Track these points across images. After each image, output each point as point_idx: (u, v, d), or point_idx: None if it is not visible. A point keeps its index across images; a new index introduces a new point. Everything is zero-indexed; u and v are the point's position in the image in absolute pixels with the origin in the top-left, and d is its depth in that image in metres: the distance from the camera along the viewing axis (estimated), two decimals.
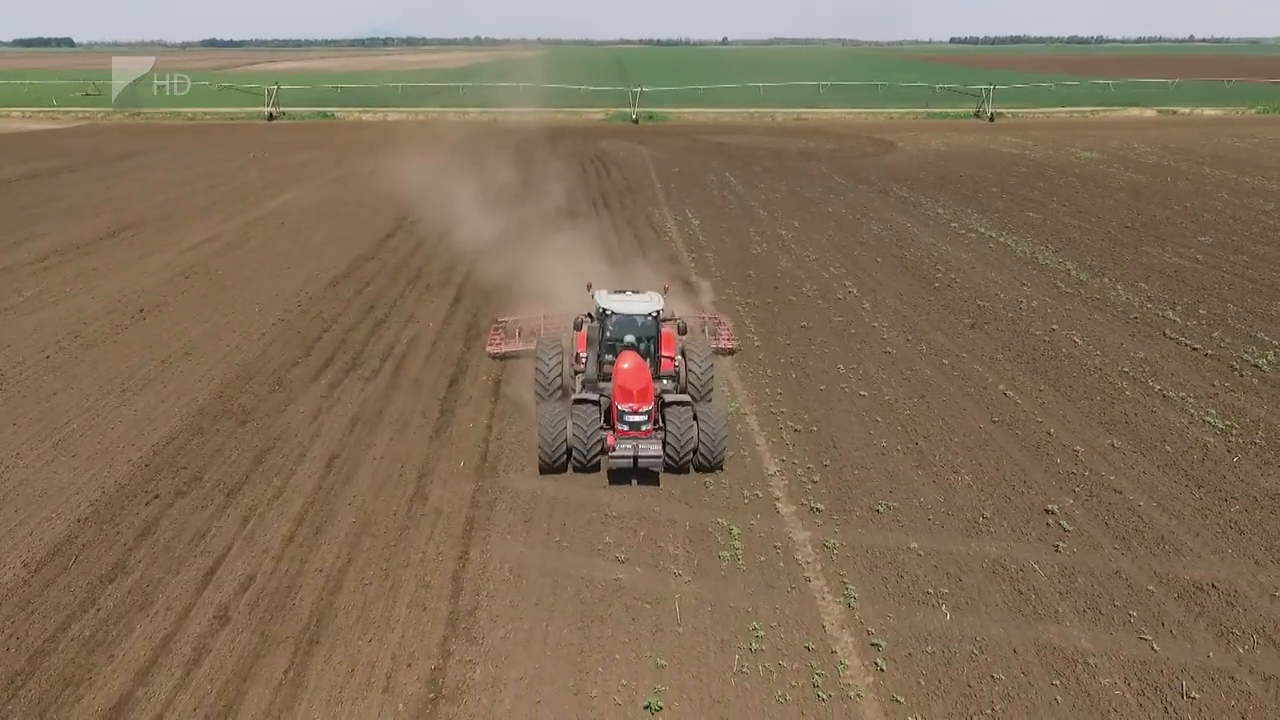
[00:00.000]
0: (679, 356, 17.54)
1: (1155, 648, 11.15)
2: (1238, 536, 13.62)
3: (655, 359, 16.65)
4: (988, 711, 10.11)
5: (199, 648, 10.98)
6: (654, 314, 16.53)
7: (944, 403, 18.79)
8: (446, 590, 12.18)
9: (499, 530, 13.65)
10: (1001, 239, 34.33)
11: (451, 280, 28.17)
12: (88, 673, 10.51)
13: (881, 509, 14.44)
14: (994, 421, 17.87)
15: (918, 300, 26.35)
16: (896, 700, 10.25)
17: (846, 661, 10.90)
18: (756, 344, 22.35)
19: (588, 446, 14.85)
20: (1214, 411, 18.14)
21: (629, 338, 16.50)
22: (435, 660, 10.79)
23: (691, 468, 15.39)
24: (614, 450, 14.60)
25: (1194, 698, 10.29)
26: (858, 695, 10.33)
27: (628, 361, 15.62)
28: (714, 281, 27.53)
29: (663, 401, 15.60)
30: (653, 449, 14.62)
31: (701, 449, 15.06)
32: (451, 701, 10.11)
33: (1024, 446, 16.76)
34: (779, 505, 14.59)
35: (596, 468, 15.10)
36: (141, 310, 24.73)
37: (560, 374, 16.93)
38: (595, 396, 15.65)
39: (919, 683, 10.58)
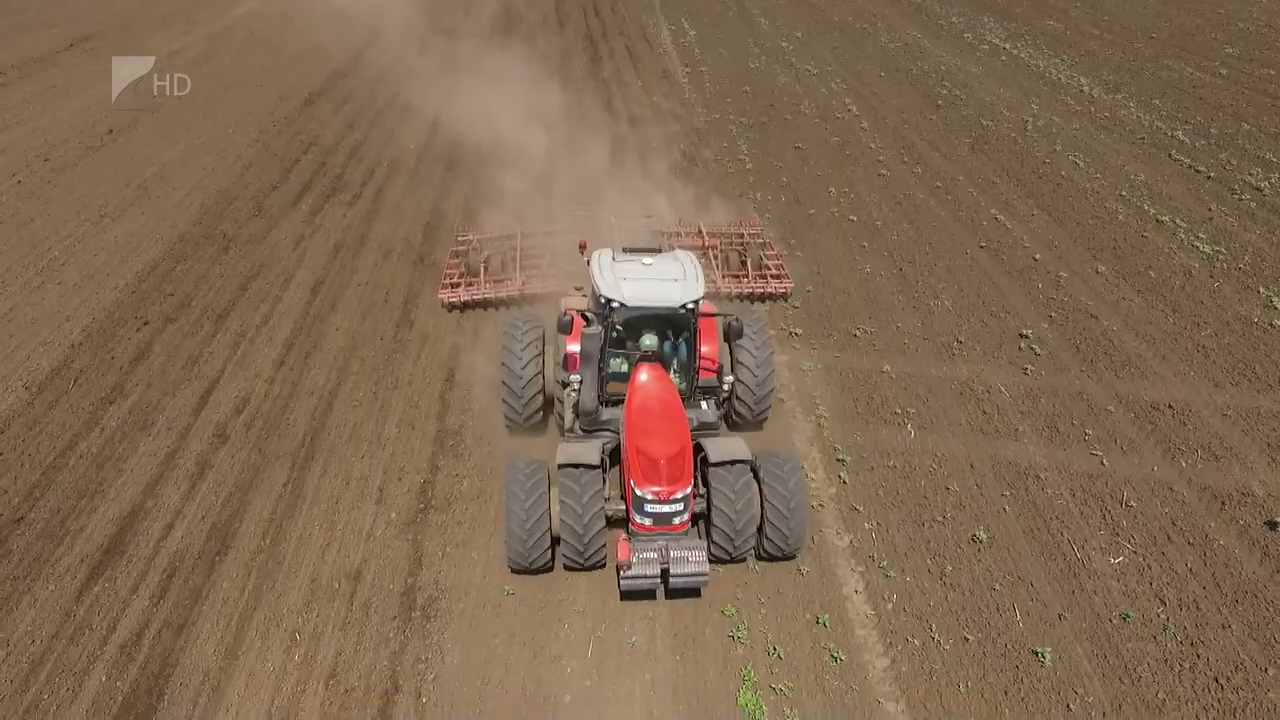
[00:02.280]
0: (722, 350, 11.58)
1: (1105, 463, 11.82)
2: (1203, 360, 14.00)
3: (690, 373, 10.70)
4: (939, 519, 10.90)
5: (201, 464, 11.64)
6: (689, 306, 10.17)
7: (934, 228, 18.57)
8: (434, 410, 12.70)
9: (484, 354, 13.98)
10: (1015, 51, 32.27)
11: (431, 100, 26.82)
12: (99, 486, 11.22)
13: (859, 334, 14.71)
14: (982, 247, 17.76)
15: (919, 119, 25.23)
16: (855, 509, 11.02)
17: (812, 475, 11.58)
18: (749, 166, 21.68)
19: (585, 543, 9.26)
20: (1204, 236, 17.96)
21: (648, 341, 10.58)
22: (424, 474, 11.47)
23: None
24: (628, 566, 9.02)
25: (1131, 506, 11.06)
26: (820, 505, 11.08)
27: (648, 391, 10.03)
28: (707, 96, 26.22)
29: (703, 455, 9.67)
30: (693, 558, 9.07)
31: (771, 536, 9.52)
32: (440, 510, 10.88)
33: (1008, 272, 16.77)
34: None
35: (602, 564, 9.72)
36: (110, 131, 23.72)
37: (540, 383, 11.22)
38: (594, 455, 9.64)
39: (878, 493, 11.32)
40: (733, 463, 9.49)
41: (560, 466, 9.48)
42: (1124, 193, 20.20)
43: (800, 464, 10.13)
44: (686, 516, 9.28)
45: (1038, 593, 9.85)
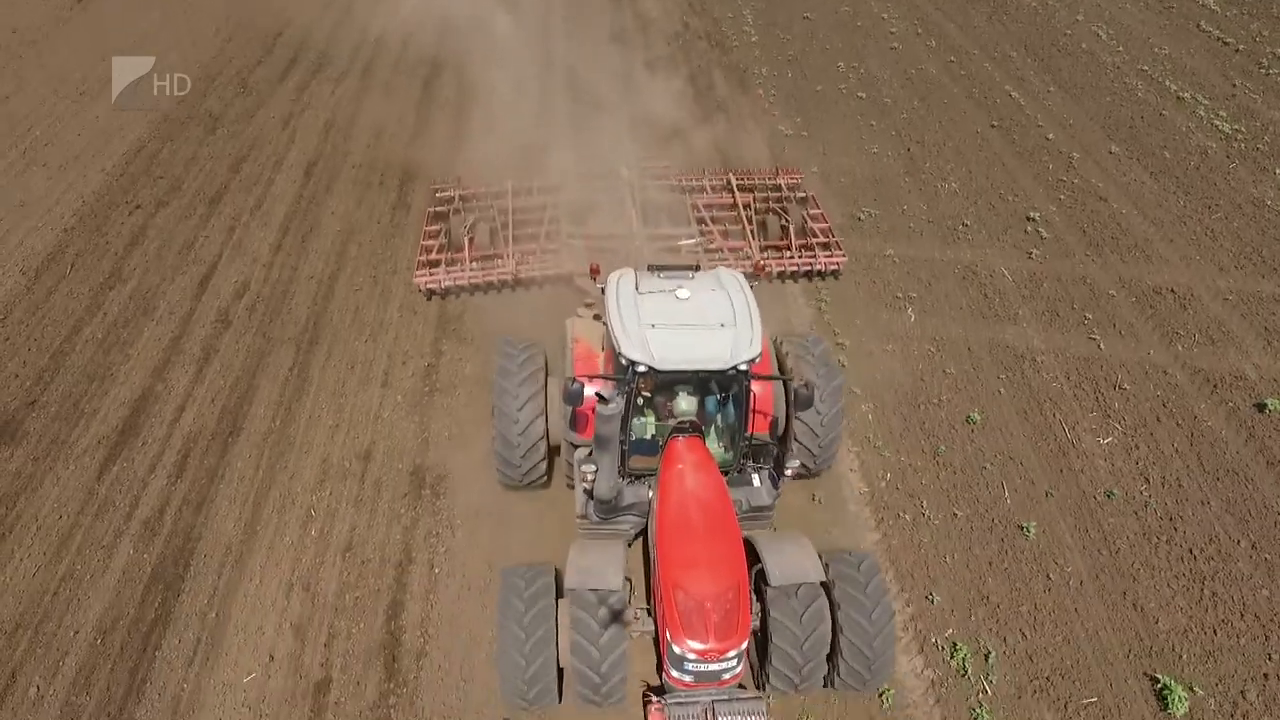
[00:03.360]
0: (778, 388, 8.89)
1: (1101, 346, 11.92)
2: (1210, 243, 13.84)
3: (737, 443, 8.06)
4: (935, 401, 11.11)
5: (206, 348, 11.73)
6: (742, 366, 7.44)
7: (945, 105, 17.90)
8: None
9: None
10: None
11: None
12: (107, 370, 11.36)
13: (863, 216, 14.47)
14: (993, 126, 17.18)
15: None
16: (853, 391, 11.19)
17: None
18: (754, 39, 20.65)
19: (604, 687, 7.14)
20: (1225, 115, 17.34)
21: (684, 405, 8.13)
22: (429, 358, 11.59)
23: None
24: None
25: (1124, 389, 11.24)
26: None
27: (687, 486, 7.50)
28: None
29: (759, 568, 7.44)
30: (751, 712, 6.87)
31: (848, 670, 7.41)
32: (445, 393, 11.07)
33: (1019, 152, 16.30)
34: None
35: (623, 699, 7.38)
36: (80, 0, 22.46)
37: (543, 429, 8.93)
38: (616, 571, 7.37)
39: (876, 376, 11.48)
40: (803, 590, 7.31)
41: (570, 591, 7.23)
42: (1145, 67, 19.33)
43: (879, 566, 7.81)
44: (739, 669, 6.90)
45: (1027, 471, 10.18)
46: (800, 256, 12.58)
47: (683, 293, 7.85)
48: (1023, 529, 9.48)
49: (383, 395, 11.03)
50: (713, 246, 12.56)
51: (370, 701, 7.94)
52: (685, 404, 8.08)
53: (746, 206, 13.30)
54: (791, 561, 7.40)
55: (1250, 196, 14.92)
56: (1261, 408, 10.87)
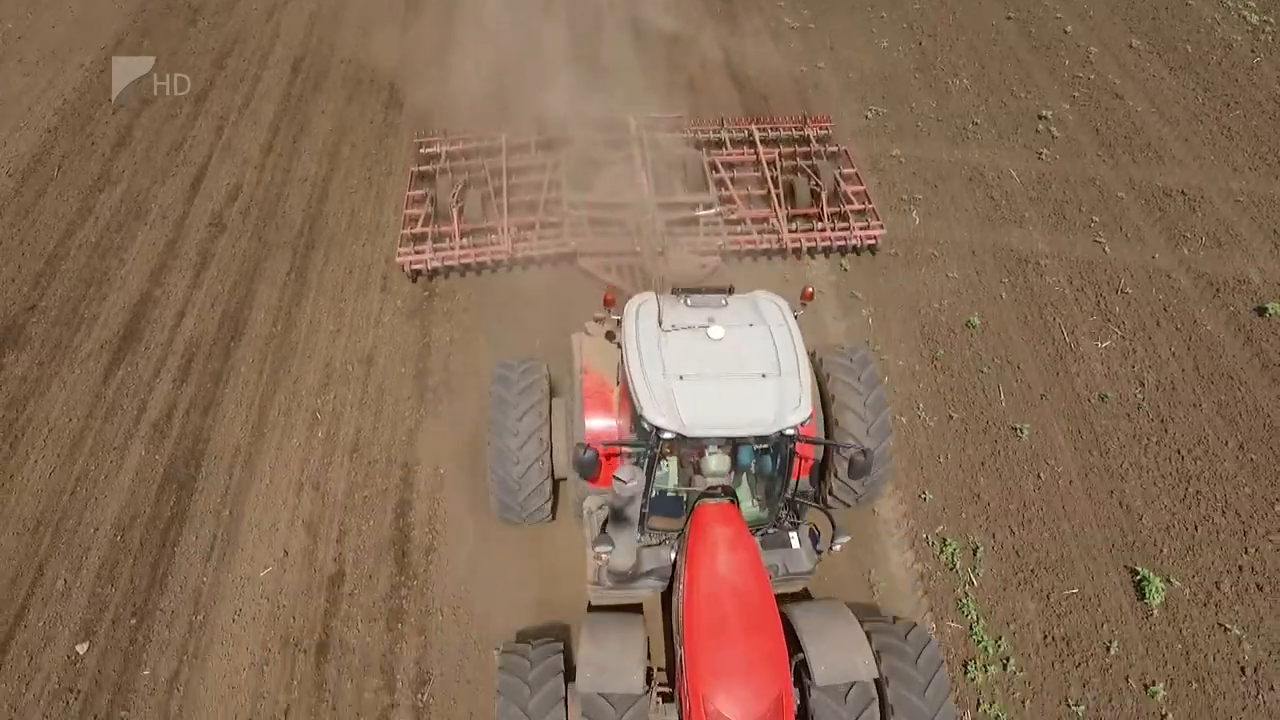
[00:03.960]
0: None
1: (1107, 250, 11.80)
2: (1226, 143, 13.48)
3: (775, 505, 7.05)
4: (935, 305, 11.10)
5: (202, 253, 11.62)
6: (789, 431, 6.35)
7: None
8: None
9: None
10: None
11: None
12: (104, 275, 11.29)
13: (870, 115, 14.04)
14: (1009, 18, 16.42)
15: None
16: (854, 296, 11.17)
17: (810, 260, 11.61)
18: None
19: None
20: (1254, 4, 16.54)
21: (715, 465, 6.92)
22: None
23: None
24: None
25: (1127, 293, 11.21)
26: (819, 292, 11.19)
27: (718, 567, 6.36)
28: None
29: (800, 659, 6.41)
30: None
31: None
32: (445, 298, 11.04)
33: (1034, 46, 15.64)
34: None
35: None
36: None
37: (547, 464, 7.91)
38: (636, 669, 6.33)
39: (878, 280, 11.41)
40: (849, 687, 6.33)
41: (583, 695, 6.19)
42: None
43: (940, 655, 6.68)
44: None
45: (1023, 375, 10.27)
46: (833, 228, 11.34)
47: (715, 331, 6.66)
48: (1016, 431, 9.66)
49: (382, 300, 11.00)
50: (734, 217, 11.48)
51: (383, 593, 8.29)
52: (716, 464, 6.81)
53: (771, 164, 12.06)
54: (838, 651, 6.35)
55: (1273, 94, 14.42)
56: (1262, 311, 10.86)
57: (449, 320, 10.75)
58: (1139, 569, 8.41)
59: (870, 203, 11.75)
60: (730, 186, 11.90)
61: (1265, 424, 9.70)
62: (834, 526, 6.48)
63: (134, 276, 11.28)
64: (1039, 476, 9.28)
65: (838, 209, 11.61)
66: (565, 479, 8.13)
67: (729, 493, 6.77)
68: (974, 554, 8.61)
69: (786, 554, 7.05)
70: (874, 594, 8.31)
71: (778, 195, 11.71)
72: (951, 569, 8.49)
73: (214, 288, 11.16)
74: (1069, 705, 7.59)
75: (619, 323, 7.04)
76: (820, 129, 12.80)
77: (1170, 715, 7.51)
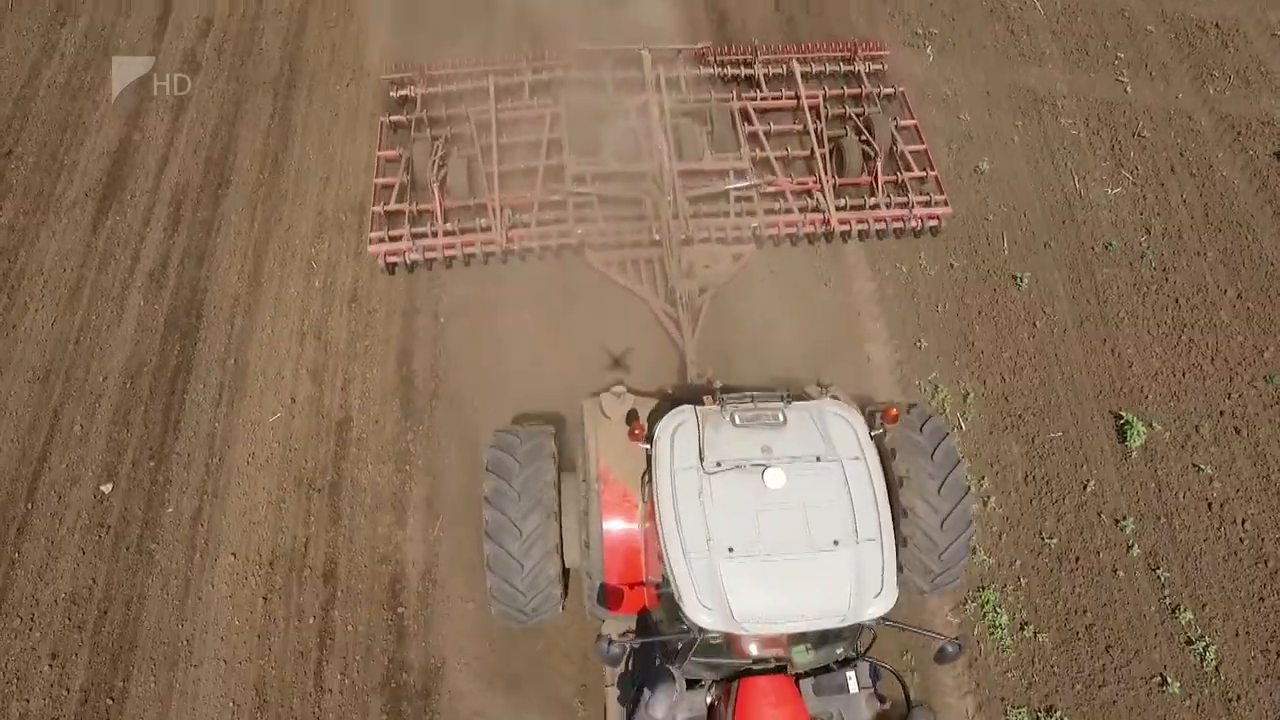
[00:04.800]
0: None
1: (1128, 90, 11.25)
2: None
3: (832, 652, 5.70)
4: (945, 149, 10.68)
5: (179, 97, 11.05)
6: (869, 623, 5.24)
7: None
8: None
9: None
10: None
11: None
12: (78, 118, 10.83)
13: None
14: None
15: None
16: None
17: None
18: None
19: None
20: None
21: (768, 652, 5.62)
22: None
23: None
24: None
25: (1144, 136, 10.80)
26: None
27: None
28: None
29: None
30: None
31: None
32: None
33: None
34: None
35: None
36: None
37: (556, 568, 6.61)
38: None
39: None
40: None
41: None
42: None
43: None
44: None
45: (1029, 223, 10.09)
46: (888, 204, 9.50)
47: (774, 477, 5.31)
48: (1016, 279, 9.61)
49: (371, 144, 10.55)
50: (770, 190, 9.57)
51: (390, 436, 8.58)
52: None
53: (814, 112, 9.99)
54: None
55: None
56: None
57: None
58: (1123, 414, 8.66)
59: (933, 168, 9.76)
60: (765, 145, 9.86)
61: (1267, 272, 9.65)
62: (908, 700, 5.36)
63: (109, 121, 10.81)
64: (1034, 325, 9.34)
65: (894, 176, 9.73)
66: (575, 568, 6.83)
67: (782, 666, 5.47)
68: (964, 399, 8.84)
69: (843, 702, 5.54)
70: None
71: (823, 157, 9.72)
72: (941, 413, 8.74)
73: (194, 132, 10.71)
74: (1043, 538, 8.07)
75: (648, 455, 5.75)
76: (872, 57, 10.67)
77: (1136, 546, 8.00)
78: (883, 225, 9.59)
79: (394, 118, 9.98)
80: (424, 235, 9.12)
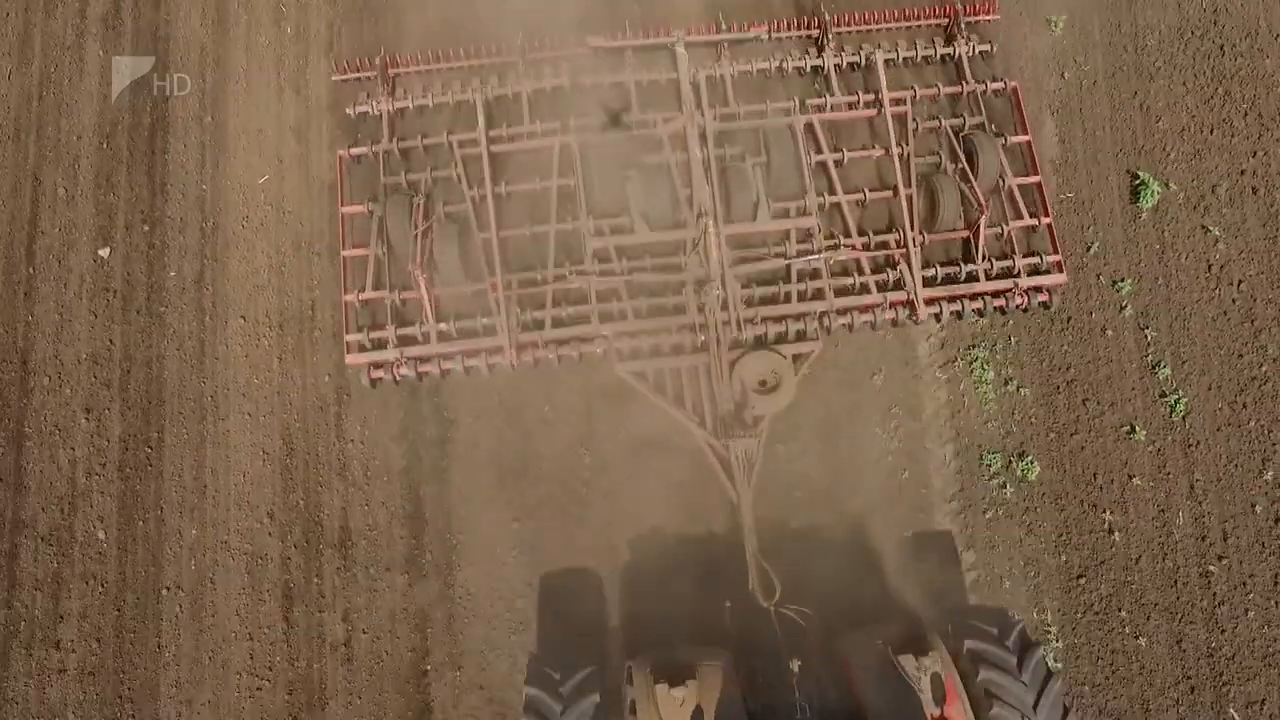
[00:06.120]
0: None
1: None
2: None
3: None
4: None
5: None
6: None
7: None
8: None
9: None
10: None
11: None
12: None
13: None
14: None
15: None
16: None
17: None
18: None
19: None
20: None
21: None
22: None
23: None
24: None
25: None
26: None
27: None
28: None
29: None
30: None
31: None
32: None
33: None
34: None
35: None
36: None
37: None
38: None
39: None
40: None
41: None
42: None
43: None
44: None
45: None
46: (989, 276, 7.29)
47: None
48: (1050, 22, 8.79)
49: None
50: (845, 255, 7.22)
51: None
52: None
53: (899, 122, 7.40)
54: None
55: None
56: None
57: None
58: (1140, 173, 8.37)
59: (1047, 212, 7.48)
60: (836, 182, 7.44)
61: None
62: None
63: None
64: (1063, 76, 8.70)
65: (999, 228, 7.36)
66: None
67: None
68: None
69: None
70: None
71: (908, 199, 7.26)
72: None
73: None
74: None
75: None
76: (977, 35, 7.98)
77: (1129, 307, 8.14)
78: (980, 305, 7.37)
79: (355, 150, 7.75)
80: (413, 340, 7.28)
